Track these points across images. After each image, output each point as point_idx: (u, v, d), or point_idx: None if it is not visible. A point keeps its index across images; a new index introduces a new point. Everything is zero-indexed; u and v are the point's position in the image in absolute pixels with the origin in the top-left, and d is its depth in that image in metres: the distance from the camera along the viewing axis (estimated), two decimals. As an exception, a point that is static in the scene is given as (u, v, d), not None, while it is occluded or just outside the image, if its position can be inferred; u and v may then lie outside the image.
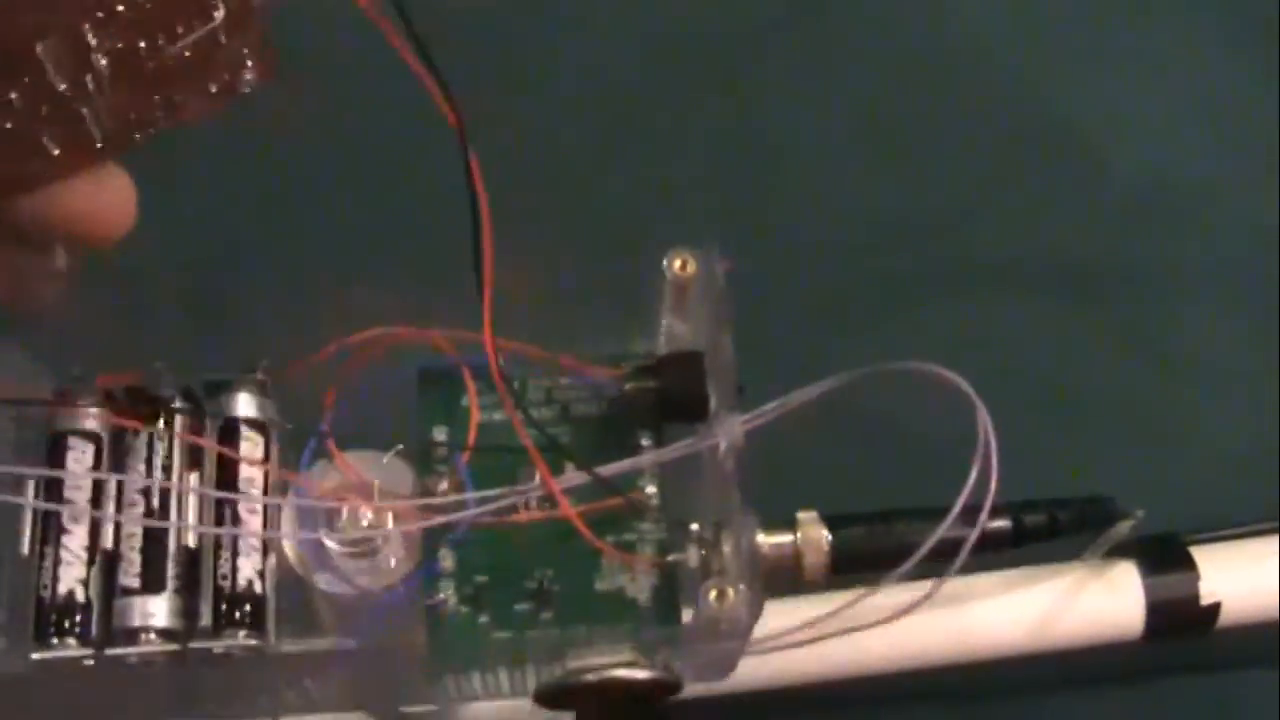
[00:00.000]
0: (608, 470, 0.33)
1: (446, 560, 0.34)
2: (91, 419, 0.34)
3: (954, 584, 0.47)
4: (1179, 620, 0.48)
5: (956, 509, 0.32)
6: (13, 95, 0.30)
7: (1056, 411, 0.53)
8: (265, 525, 0.34)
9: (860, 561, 0.34)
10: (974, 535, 0.33)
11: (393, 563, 0.35)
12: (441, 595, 0.34)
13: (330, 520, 0.35)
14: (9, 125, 0.30)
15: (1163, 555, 0.48)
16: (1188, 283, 0.56)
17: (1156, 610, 0.47)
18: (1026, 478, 0.35)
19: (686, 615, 0.34)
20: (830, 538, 0.34)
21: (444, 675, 0.34)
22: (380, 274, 0.35)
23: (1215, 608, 0.47)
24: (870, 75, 0.60)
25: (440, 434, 0.36)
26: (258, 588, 0.33)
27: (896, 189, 0.57)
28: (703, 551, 0.33)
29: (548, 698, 0.32)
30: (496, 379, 0.33)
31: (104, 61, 0.30)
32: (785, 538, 0.34)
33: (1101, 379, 0.55)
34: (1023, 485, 0.36)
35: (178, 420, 0.35)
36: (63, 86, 0.30)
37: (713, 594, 0.31)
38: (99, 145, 0.31)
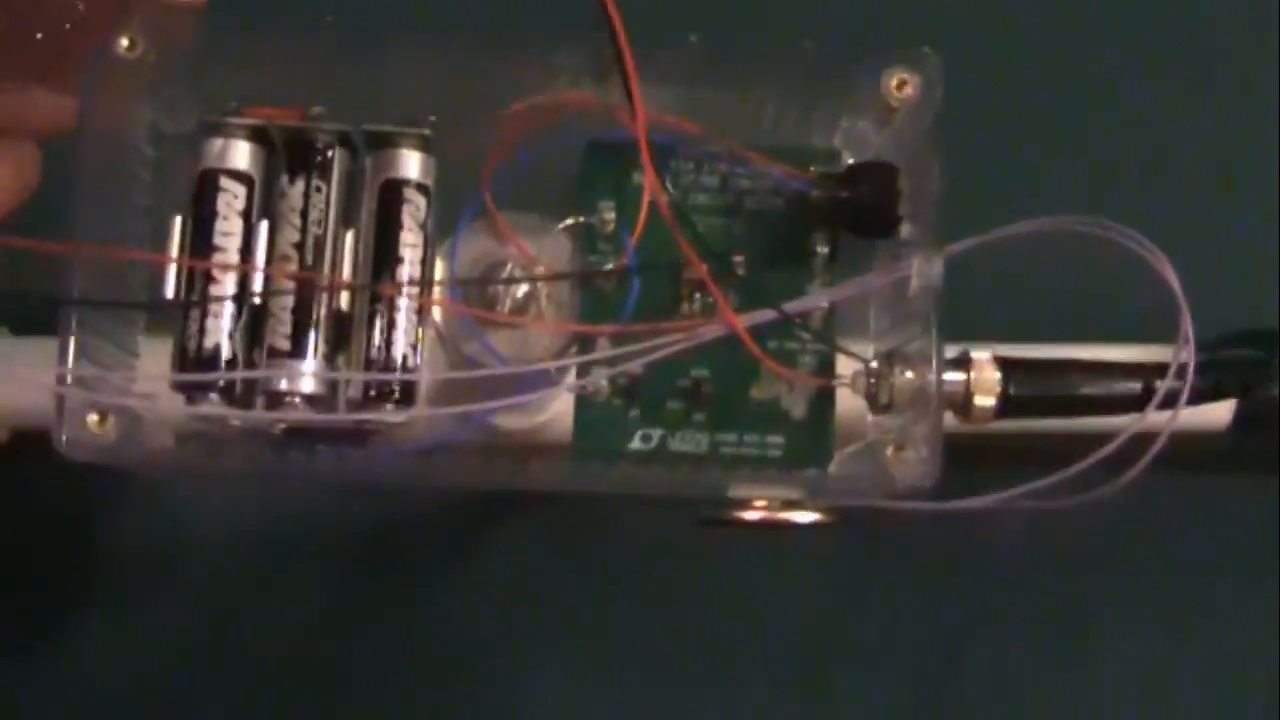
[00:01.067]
0: (792, 308, 0.31)
1: (603, 346, 0.33)
2: (244, 158, 0.32)
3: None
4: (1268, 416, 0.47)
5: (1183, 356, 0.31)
6: None
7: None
8: (422, 294, 0.32)
9: (1029, 408, 0.33)
10: (1186, 389, 0.32)
11: (545, 340, 0.33)
12: (594, 383, 0.33)
13: (485, 286, 0.33)
14: None
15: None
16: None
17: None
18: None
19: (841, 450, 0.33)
20: (1002, 379, 0.33)
21: (588, 463, 0.34)
22: (559, 38, 0.32)
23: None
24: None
25: (608, 209, 0.34)
26: (411, 360, 0.32)
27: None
28: (872, 379, 0.32)
29: (707, 524, 0.31)
30: (645, 162, 0.31)
31: None
32: (956, 376, 0.33)
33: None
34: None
35: (335, 170, 0.32)
36: None
37: (889, 450, 0.30)
38: None
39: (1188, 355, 0.32)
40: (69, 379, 0.29)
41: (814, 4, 0.51)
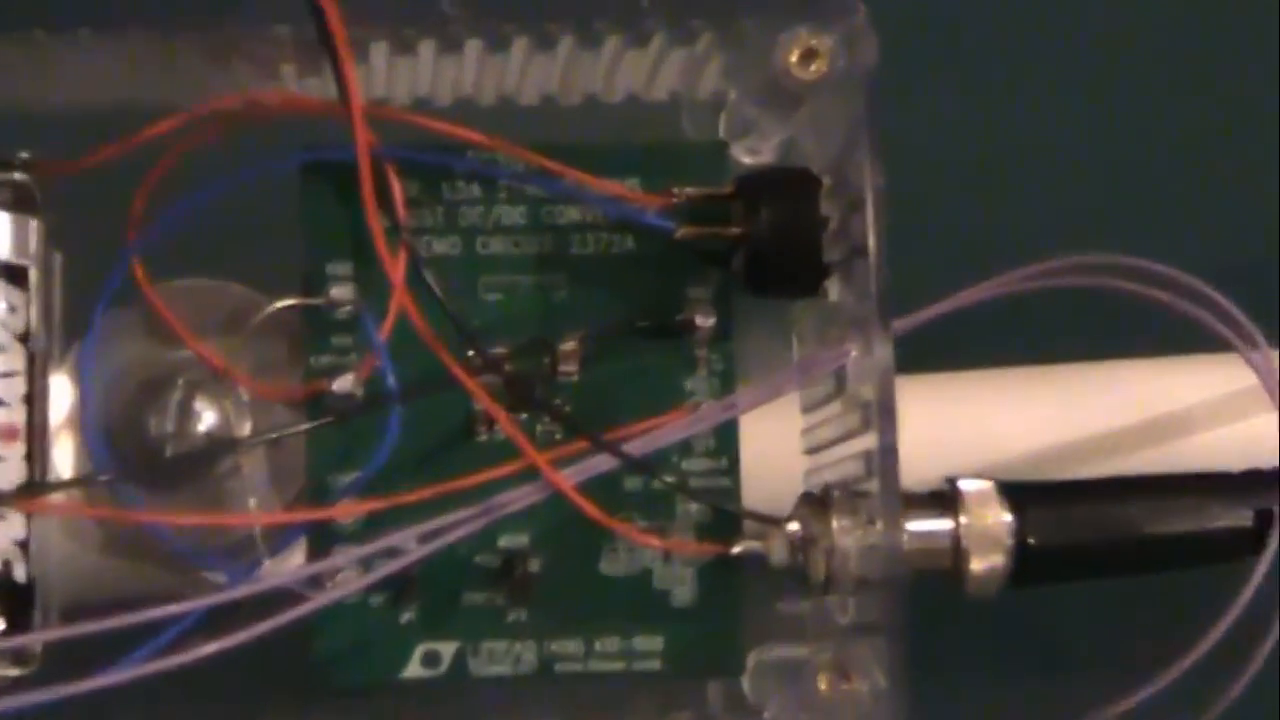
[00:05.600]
0: (648, 442, 0.18)
1: (349, 515, 0.20)
2: None
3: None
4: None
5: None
6: None
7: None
8: (34, 462, 0.19)
9: (1062, 567, 0.20)
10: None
11: (251, 504, 0.20)
12: (339, 579, 0.20)
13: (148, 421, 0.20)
14: None
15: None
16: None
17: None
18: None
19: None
20: (1015, 524, 0.20)
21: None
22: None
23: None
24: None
25: (340, 279, 0.20)
26: (18, 572, 0.19)
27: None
28: (797, 536, 0.19)
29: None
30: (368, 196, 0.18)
31: None
32: (939, 524, 0.20)
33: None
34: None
35: None
36: None
37: (823, 682, 0.17)
38: None
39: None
40: None
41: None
